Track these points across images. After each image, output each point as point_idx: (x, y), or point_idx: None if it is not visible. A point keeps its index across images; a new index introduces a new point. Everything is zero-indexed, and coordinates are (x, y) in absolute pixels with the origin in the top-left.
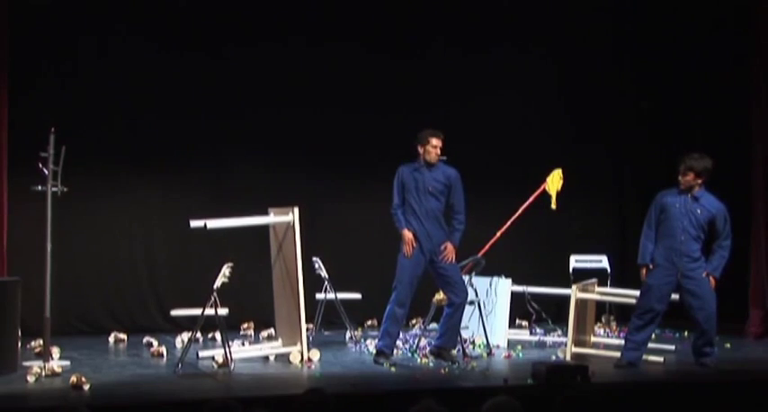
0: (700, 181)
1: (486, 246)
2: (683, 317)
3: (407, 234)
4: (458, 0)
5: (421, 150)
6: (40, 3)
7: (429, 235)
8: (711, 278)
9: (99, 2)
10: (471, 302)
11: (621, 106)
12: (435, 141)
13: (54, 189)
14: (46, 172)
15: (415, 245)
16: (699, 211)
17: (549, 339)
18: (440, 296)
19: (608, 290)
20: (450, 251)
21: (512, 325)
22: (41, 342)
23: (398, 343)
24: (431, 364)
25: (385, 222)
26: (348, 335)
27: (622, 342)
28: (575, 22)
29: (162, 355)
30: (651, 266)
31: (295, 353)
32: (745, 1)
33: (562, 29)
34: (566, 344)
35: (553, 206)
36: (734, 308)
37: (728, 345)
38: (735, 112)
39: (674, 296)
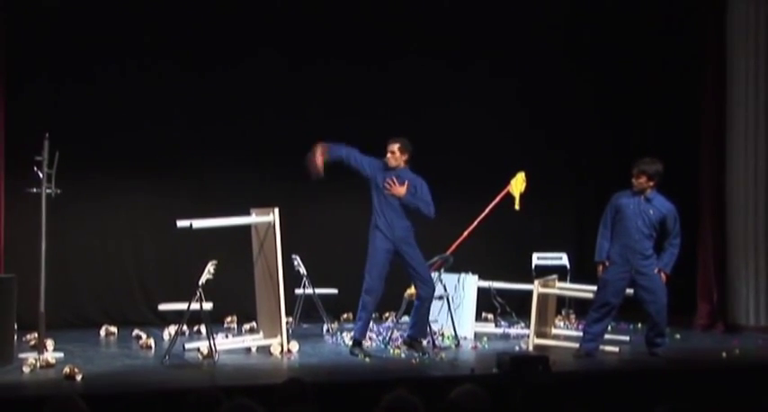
0: (652, 183)
1: (454, 245)
2: (636, 311)
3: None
4: (428, 18)
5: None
6: (49, 3)
7: (391, 225)
8: (663, 274)
9: (93, 14)
10: (440, 297)
11: (581, 115)
12: (389, 147)
13: (48, 191)
14: (40, 175)
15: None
16: (651, 212)
17: (513, 331)
18: (411, 291)
19: (567, 285)
20: (396, 186)
21: (478, 318)
22: (36, 335)
23: (372, 335)
24: (402, 355)
25: (359, 222)
26: (325, 327)
27: (581, 333)
28: (535, 37)
29: (150, 347)
30: (607, 263)
31: (275, 345)
32: (695, 12)
33: (523, 43)
34: (528, 336)
35: (517, 207)
36: (683, 301)
37: (678, 336)
38: (684, 120)
39: (629, 291)
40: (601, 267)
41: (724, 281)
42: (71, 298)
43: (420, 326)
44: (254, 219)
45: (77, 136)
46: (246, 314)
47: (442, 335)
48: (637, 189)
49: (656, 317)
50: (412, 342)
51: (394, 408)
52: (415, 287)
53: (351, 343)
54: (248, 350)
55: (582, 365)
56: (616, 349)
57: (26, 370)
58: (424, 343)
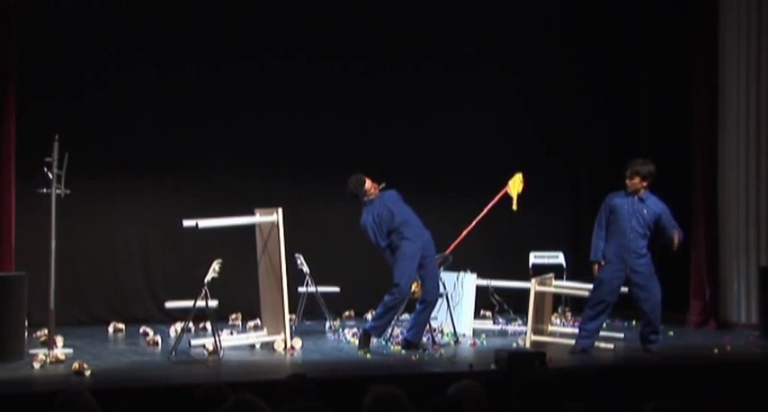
0: (645, 184)
1: (454, 244)
2: (631, 308)
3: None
4: (428, 21)
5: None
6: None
7: (420, 231)
8: (677, 235)
9: (100, 18)
10: (440, 295)
11: (577, 117)
12: (367, 185)
13: (58, 191)
14: (50, 176)
15: None
16: (645, 211)
17: (511, 328)
18: (415, 287)
19: (564, 283)
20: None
21: (477, 315)
22: (46, 331)
23: None
24: (403, 352)
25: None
26: (327, 325)
27: (577, 331)
28: (535, 41)
29: (157, 344)
30: (602, 262)
31: (279, 342)
32: (687, 13)
33: (524, 48)
34: (525, 333)
35: (514, 207)
36: (676, 299)
37: (671, 333)
38: (677, 122)
39: (624, 289)
40: (596, 266)
41: (716, 279)
42: (80, 296)
43: (417, 331)
44: (258, 218)
45: (86, 137)
46: (251, 311)
47: (442, 331)
48: (631, 189)
49: (651, 314)
50: (408, 344)
51: (379, 403)
52: (423, 289)
53: (363, 333)
54: (252, 346)
55: (578, 362)
56: (611, 346)
57: (36, 365)
58: (424, 339)
